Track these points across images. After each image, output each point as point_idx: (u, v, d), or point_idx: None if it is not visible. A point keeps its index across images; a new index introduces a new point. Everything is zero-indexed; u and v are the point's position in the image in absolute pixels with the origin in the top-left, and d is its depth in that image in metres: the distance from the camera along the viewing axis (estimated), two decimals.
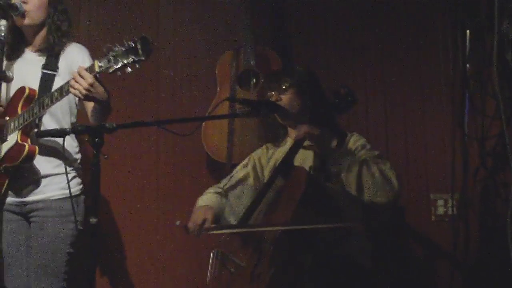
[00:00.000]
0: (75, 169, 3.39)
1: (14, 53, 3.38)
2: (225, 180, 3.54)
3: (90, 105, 3.24)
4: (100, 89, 3.01)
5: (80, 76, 2.92)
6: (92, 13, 4.68)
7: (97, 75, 2.95)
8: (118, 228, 4.48)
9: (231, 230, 3.14)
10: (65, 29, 3.36)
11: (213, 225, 3.18)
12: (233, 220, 3.41)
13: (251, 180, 3.48)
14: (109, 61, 2.80)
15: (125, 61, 2.75)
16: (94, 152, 2.56)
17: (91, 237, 2.57)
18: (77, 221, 3.24)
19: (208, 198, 3.38)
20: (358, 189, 3.04)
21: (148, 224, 4.47)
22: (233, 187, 3.48)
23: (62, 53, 3.36)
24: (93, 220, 2.52)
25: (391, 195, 3.07)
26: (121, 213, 4.49)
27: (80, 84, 2.92)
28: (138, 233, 4.48)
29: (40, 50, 3.38)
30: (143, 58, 2.73)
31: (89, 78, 2.91)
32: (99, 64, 2.86)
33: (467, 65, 3.85)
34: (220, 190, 3.46)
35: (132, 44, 2.75)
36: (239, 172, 3.55)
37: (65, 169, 3.05)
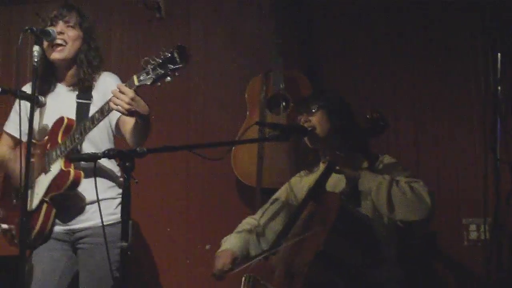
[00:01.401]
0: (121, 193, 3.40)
1: (45, 86, 3.42)
2: (259, 212, 3.56)
3: (128, 127, 3.25)
4: (141, 102, 3.00)
5: (121, 92, 2.93)
6: (124, 37, 4.75)
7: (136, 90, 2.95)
8: (148, 252, 4.49)
9: (244, 266, 3.16)
10: (95, 65, 3.40)
11: (231, 266, 3.26)
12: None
13: (284, 210, 3.48)
14: (147, 73, 2.82)
15: (164, 70, 2.76)
16: (125, 176, 2.57)
17: (121, 261, 2.57)
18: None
19: (230, 241, 3.41)
20: (389, 208, 3.00)
21: (178, 248, 4.48)
22: (269, 220, 3.49)
23: (94, 83, 3.40)
24: (123, 244, 2.52)
25: (424, 213, 3.01)
26: (151, 237, 4.51)
27: (122, 100, 2.92)
28: (168, 257, 4.48)
29: (71, 85, 3.42)
30: (181, 65, 2.73)
31: (130, 92, 2.91)
32: (139, 78, 2.87)
33: (499, 88, 3.80)
34: (250, 227, 3.48)
35: (168, 54, 2.75)
36: (273, 204, 3.56)
37: (96, 193, 3.05)
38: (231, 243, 3.38)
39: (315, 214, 3.10)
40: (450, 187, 4.17)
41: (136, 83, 2.89)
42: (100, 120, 3.10)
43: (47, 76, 3.42)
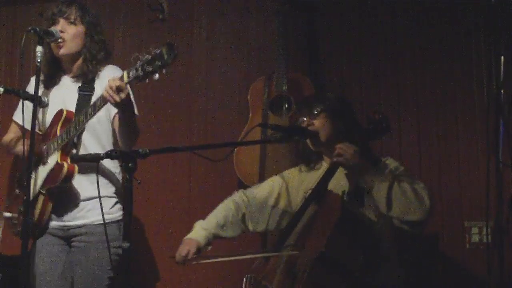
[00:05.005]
0: (118, 192, 3.40)
1: (52, 81, 3.44)
2: (252, 188, 3.55)
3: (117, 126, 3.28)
4: (129, 97, 3.06)
5: (114, 83, 2.94)
6: (126, 38, 4.76)
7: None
8: (150, 253, 4.49)
9: (210, 260, 3.22)
10: (100, 58, 3.41)
11: (195, 256, 3.24)
12: (251, 226, 3.44)
13: (275, 195, 3.45)
14: (136, 70, 2.81)
15: (152, 68, 2.75)
16: (127, 177, 2.58)
17: (124, 262, 2.58)
18: (118, 247, 3.18)
19: (196, 231, 3.37)
20: (387, 205, 2.98)
21: None
22: (258, 196, 3.46)
23: (97, 76, 3.41)
24: (125, 244, 2.53)
25: (422, 214, 3.00)
26: (153, 237, 4.51)
27: (113, 90, 2.94)
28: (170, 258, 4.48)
29: (76, 77, 3.43)
30: (169, 62, 2.71)
31: (122, 84, 2.93)
32: (129, 74, 2.88)
33: (502, 91, 3.80)
34: (239, 200, 3.48)
35: (157, 50, 2.74)
36: (267, 183, 3.53)
37: (98, 192, 3.05)
38: (198, 233, 3.34)
39: (317, 214, 3.10)
40: (452, 190, 4.18)
41: (126, 79, 2.90)
42: (93, 115, 3.10)
43: (54, 71, 3.44)
